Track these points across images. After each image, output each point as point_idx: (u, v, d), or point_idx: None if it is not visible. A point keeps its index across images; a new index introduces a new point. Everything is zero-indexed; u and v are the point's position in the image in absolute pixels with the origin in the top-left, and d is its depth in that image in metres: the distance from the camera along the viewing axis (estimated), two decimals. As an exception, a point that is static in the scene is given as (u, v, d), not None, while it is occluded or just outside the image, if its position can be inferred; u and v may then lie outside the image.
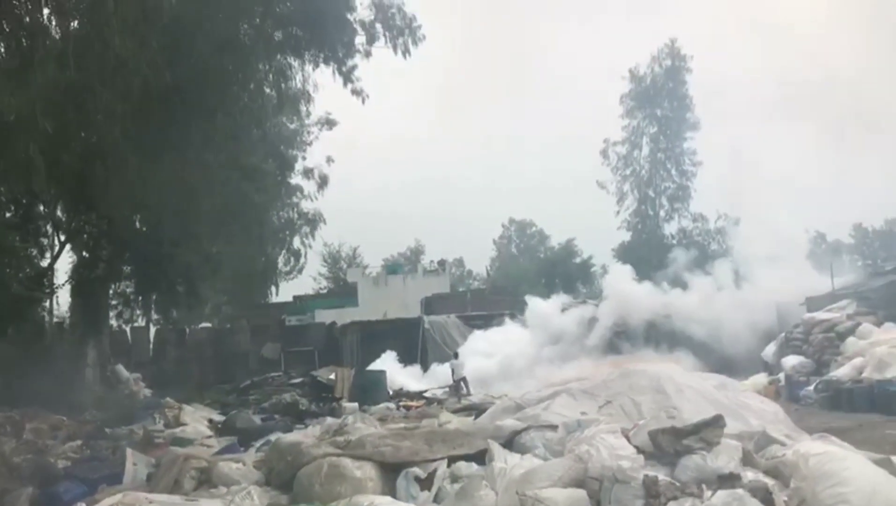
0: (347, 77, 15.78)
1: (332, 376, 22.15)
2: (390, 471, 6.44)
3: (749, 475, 5.86)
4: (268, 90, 15.39)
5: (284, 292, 45.52)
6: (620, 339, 26.41)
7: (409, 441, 6.76)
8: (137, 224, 17.87)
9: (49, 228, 18.92)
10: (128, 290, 20.19)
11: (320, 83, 16.18)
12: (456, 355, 22.49)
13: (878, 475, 6.25)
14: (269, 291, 45.42)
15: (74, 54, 8.69)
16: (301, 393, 20.77)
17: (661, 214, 49.16)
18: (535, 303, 29.91)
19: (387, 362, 25.21)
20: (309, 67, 14.87)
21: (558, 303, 30.17)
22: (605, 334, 27.04)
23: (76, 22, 9.10)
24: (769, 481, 5.90)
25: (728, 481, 5.42)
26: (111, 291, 20.18)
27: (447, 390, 21.23)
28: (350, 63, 15.56)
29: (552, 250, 58.57)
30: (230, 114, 12.45)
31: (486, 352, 25.69)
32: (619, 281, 30.56)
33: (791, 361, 19.39)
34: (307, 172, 26.94)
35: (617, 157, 49.66)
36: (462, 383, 20.77)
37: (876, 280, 21.88)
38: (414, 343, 28.45)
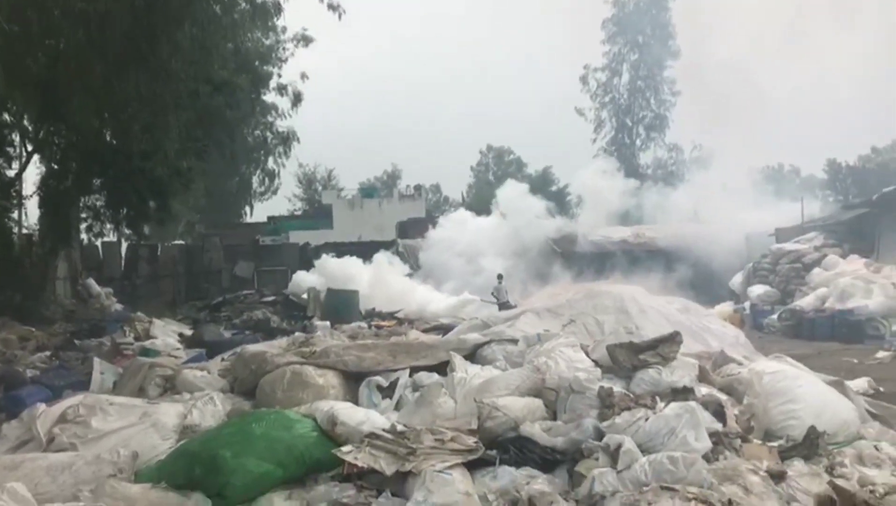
0: (323, -11, 15.34)
1: (305, 295, 22.25)
2: (353, 380, 6.52)
3: (703, 390, 6.00)
4: (242, 3, 14.95)
5: (259, 213, 45.49)
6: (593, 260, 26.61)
7: (373, 352, 6.84)
8: (107, 137, 17.51)
9: (16, 138, 18.54)
10: (98, 203, 19.93)
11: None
12: (500, 278, 21.96)
13: (829, 394, 6.44)
14: (244, 211, 45.38)
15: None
16: (273, 311, 20.85)
17: (638, 143, 49.20)
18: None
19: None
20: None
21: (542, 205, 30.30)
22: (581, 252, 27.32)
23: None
24: (723, 397, 6.05)
25: (682, 394, 5.53)
26: (81, 205, 19.92)
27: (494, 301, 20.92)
28: (326, -26, 15.11)
29: (529, 178, 58.38)
30: (199, 23, 12.07)
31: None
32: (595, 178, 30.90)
33: (757, 290, 19.77)
34: (281, 89, 26.35)
35: (597, 83, 49.41)
36: (508, 302, 20.43)
37: (844, 213, 22.17)
38: (388, 265, 28.57)
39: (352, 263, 24.92)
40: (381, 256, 26.64)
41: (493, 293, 21.24)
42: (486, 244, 27.07)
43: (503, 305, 19.98)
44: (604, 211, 30.50)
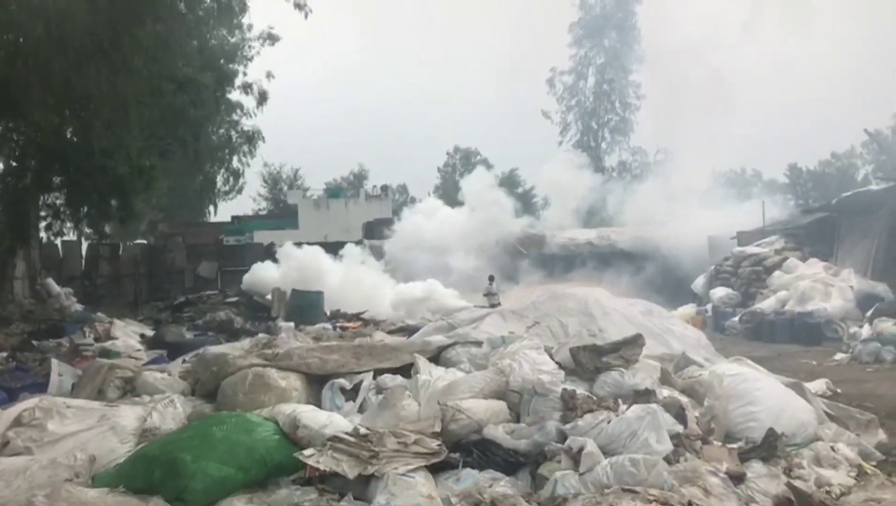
0: (289, -12, 15.26)
1: (269, 296, 22.06)
2: (316, 382, 6.47)
3: (665, 393, 6.07)
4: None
5: (223, 212, 44.95)
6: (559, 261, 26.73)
7: (337, 354, 6.78)
8: (68, 134, 17.18)
9: (-28, 135, 18.12)
10: (58, 201, 19.57)
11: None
12: (491, 279, 21.22)
13: (787, 396, 6.55)
14: (208, 210, 44.82)
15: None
16: (237, 312, 20.65)
17: (603, 145, 49.63)
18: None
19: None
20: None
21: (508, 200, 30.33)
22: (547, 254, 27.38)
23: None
24: (684, 399, 6.12)
25: (643, 396, 5.59)
26: (40, 203, 19.54)
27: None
28: (293, -27, 15.04)
29: (496, 179, 58.46)
30: (163, 20, 11.91)
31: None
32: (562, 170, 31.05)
33: (719, 292, 19.97)
34: (246, 87, 26.09)
35: (563, 86, 49.76)
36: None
37: (805, 218, 22.52)
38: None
39: (320, 256, 24.47)
40: (352, 249, 26.41)
41: (484, 294, 20.53)
42: (455, 240, 26.98)
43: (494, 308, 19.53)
44: (570, 205, 30.71)
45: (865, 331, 13.39)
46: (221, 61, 22.69)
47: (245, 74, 26.32)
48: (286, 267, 23.68)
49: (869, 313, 14.29)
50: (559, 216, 31.56)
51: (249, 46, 26.77)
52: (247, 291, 23.59)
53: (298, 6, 15.80)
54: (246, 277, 24.31)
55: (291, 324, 17.04)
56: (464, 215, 29.19)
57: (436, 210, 30.03)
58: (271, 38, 27.21)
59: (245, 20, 22.22)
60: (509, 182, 54.61)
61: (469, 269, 24.58)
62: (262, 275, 23.72)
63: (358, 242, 30.86)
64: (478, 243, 27.02)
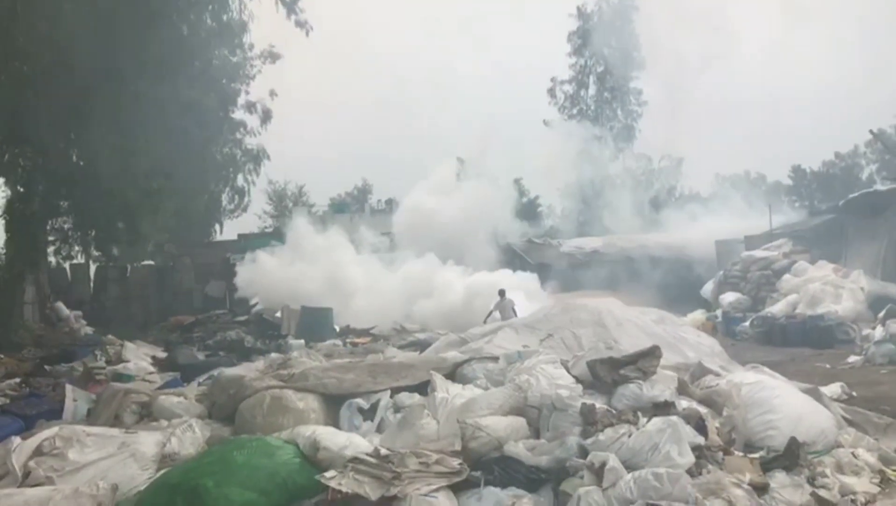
0: (291, 8, 15.37)
1: (279, 314, 22.05)
2: (334, 403, 6.47)
3: (683, 404, 6.03)
4: (209, 21, 14.89)
5: (229, 231, 44.94)
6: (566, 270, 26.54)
7: (353, 373, 6.79)
8: (74, 158, 17.24)
9: (-21, 161, 18.18)
10: (66, 226, 19.60)
11: (263, 15, 15.81)
12: (502, 294, 18.25)
13: (805, 403, 6.52)
14: (213, 230, 44.88)
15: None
16: (247, 330, 20.64)
17: (606, 153, 49.50)
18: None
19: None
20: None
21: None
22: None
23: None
24: (703, 410, 6.08)
25: (663, 408, 5.56)
26: (48, 227, 19.59)
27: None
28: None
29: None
30: (166, 44, 11.98)
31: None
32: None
33: (729, 297, 19.91)
34: (250, 107, 26.16)
35: (564, 95, 49.69)
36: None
37: (812, 220, 22.46)
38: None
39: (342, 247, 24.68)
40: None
41: (495, 310, 17.70)
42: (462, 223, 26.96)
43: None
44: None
45: (878, 333, 13.30)
46: (224, 81, 22.78)
47: (247, 93, 26.43)
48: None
49: (881, 315, 14.20)
50: (561, 216, 31.64)
51: (251, 65, 26.90)
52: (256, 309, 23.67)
53: (300, 24, 15.92)
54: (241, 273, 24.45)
55: (302, 341, 17.08)
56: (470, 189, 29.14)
57: (449, 186, 29.92)
58: (272, 57, 27.35)
59: (246, 39, 22.42)
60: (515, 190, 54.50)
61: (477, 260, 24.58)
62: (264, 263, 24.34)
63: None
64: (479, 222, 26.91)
